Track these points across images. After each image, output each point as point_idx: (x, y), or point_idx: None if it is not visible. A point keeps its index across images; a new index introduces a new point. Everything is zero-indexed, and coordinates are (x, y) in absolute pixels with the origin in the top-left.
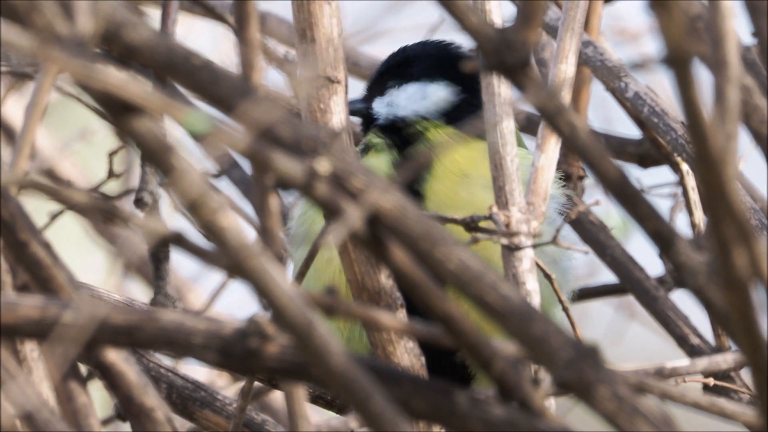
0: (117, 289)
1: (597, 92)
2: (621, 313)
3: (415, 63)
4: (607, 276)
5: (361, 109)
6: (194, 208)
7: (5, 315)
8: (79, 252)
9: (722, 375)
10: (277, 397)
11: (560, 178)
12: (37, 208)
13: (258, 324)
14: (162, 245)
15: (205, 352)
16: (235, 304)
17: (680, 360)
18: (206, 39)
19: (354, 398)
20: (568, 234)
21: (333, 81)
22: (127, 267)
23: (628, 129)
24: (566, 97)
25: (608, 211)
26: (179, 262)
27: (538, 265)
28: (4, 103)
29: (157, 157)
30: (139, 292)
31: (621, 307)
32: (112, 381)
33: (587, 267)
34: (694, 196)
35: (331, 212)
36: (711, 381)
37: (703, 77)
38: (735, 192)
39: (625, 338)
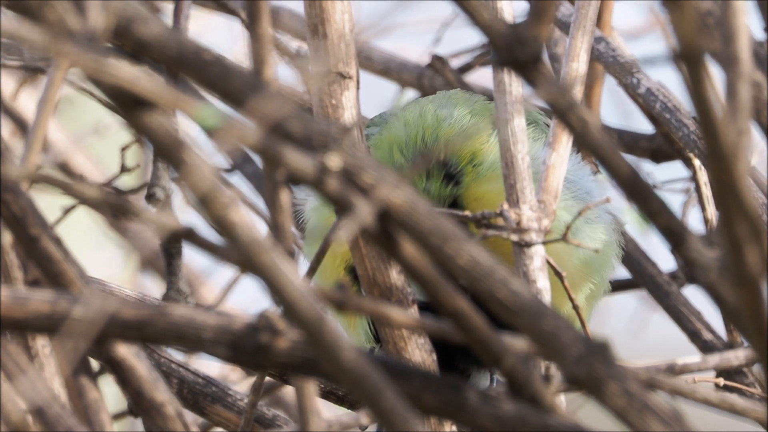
0: (130, 284)
1: (610, 88)
2: (643, 306)
3: None
4: (619, 271)
5: None
6: (206, 203)
7: (16, 309)
8: (91, 247)
9: (734, 371)
10: (288, 392)
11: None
12: (49, 202)
13: (269, 319)
14: (174, 240)
15: (216, 347)
16: (247, 300)
17: (691, 356)
18: (219, 34)
19: (365, 393)
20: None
21: (345, 76)
22: (139, 262)
23: (640, 124)
24: (578, 93)
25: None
26: (191, 257)
27: (548, 262)
28: (16, 97)
29: (168, 152)
30: (152, 287)
31: (643, 301)
32: (123, 376)
33: None
34: (707, 191)
35: (341, 208)
36: (721, 381)
37: (714, 73)
38: (747, 188)
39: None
